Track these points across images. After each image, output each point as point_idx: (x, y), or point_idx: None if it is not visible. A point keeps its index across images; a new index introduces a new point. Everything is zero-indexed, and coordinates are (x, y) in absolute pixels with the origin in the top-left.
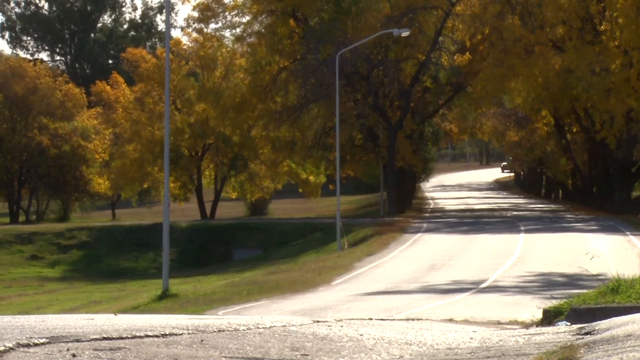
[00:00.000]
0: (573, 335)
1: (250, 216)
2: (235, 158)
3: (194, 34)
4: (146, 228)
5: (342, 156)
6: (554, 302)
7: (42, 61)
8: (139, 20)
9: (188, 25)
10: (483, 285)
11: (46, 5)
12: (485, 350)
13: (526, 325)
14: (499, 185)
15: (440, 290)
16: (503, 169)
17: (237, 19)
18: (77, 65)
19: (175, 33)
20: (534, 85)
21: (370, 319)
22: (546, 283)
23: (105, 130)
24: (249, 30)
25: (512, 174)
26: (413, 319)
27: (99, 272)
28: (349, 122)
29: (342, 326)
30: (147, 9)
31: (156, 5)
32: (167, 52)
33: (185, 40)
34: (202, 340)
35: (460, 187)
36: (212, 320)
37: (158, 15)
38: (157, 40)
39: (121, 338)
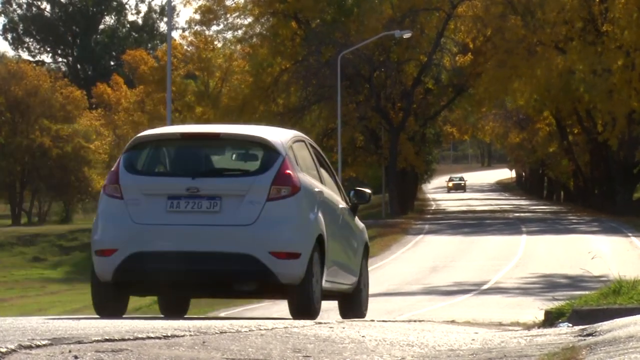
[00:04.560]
0: (575, 336)
1: None
2: None
3: (190, 38)
4: None
5: (344, 158)
6: (555, 304)
7: (43, 63)
8: (141, 23)
9: (190, 27)
10: (485, 287)
11: (48, 7)
12: (487, 351)
13: (528, 327)
14: (500, 187)
15: (442, 292)
16: (449, 189)
17: (238, 20)
18: (79, 66)
19: (177, 35)
20: (537, 86)
21: (372, 320)
22: (548, 284)
23: (106, 131)
24: (251, 32)
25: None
26: (415, 321)
27: None
28: (351, 123)
29: (344, 328)
30: (149, 11)
31: (158, 7)
32: (169, 54)
33: (183, 42)
34: (204, 342)
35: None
36: (214, 322)
37: (160, 17)
38: (158, 42)
39: (123, 340)
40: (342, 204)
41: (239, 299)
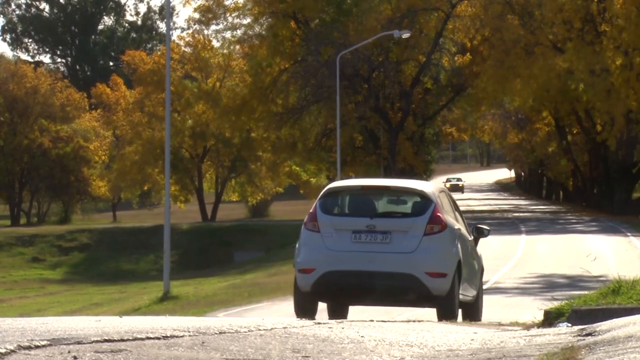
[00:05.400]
0: (574, 336)
1: (251, 218)
2: (235, 160)
3: (188, 38)
4: (147, 230)
5: (343, 158)
6: (555, 304)
7: (42, 63)
8: (140, 23)
9: (189, 27)
10: (484, 287)
11: (47, 8)
12: (486, 351)
13: (527, 327)
14: (499, 187)
15: None
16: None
17: (237, 20)
18: (77, 67)
19: (176, 36)
20: (535, 86)
21: (372, 320)
22: (547, 284)
23: (105, 132)
24: (250, 32)
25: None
26: (414, 321)
27: (100, 274)
28: (350, 123)
29: (343, 328)
30: (148, 11)
31: (157, 8)
32: (167, 54)
33: (180, 43)
34: (203, 342)
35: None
36: (213, 322)
37: (159, 17)
38: (157, 42)
39: (122, 340)
40: (470, 237)
41: (400, 306)
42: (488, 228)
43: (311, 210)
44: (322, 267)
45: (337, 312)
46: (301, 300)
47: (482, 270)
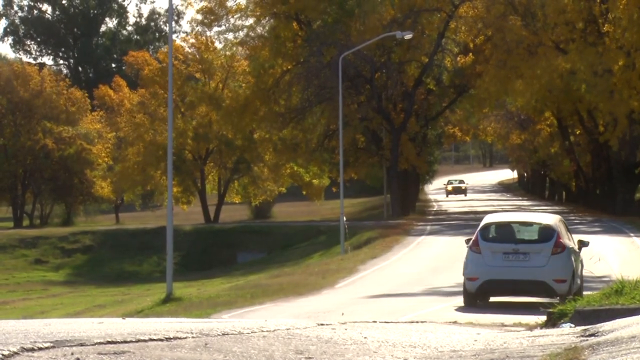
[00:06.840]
0: (577, 337)
1: (253, 219)
2: (238, 161)
3: (192, 40)
4: (150, 232)
5: (346, 159)
6: (558, 304)
7: (44, 65)
8: (143, 24)
9: (192, 29)
10: None
11: (49, 10)
12: (490, 352)
13: (530, 327)
14: (502, 188)
15: (444, 293)
16: (448, 193)
17: (240, 22)
18: (80, 69)
19: (179, 38)
20: (537, 86)
21: (374, 321)
22: None
23: (108, 134)
24: (252, 34)
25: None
26: (417, 322)
27: (103, 276)
28: (352, 124)
29: (346, 329)
30: (151, 14)
31: (160, 10)
32: (170, 56)
33: (184, 45)
34: (206, 344)
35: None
36: (216, 324)
37: (162, 20)
38: (161, 44)
39: (125, 342)
40: (576, 248)
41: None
42: (588, 240)
43: (474, 238)
44: (483, 276)
45: (482, 300)
46: (468, 298)
47: (582, 266)
